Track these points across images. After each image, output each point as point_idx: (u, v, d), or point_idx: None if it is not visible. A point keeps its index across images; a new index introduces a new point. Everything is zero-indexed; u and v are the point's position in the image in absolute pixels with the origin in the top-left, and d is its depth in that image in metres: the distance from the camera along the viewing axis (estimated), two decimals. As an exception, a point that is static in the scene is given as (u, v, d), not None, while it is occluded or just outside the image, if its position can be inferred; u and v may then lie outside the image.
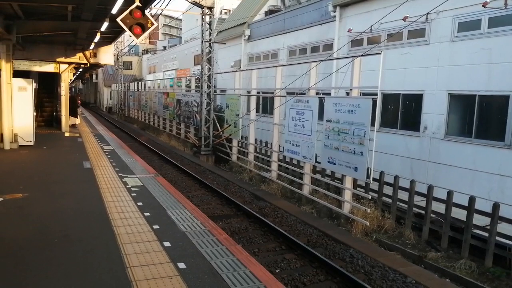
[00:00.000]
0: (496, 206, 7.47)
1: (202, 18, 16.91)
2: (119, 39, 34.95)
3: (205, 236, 5.82)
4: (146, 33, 8.56)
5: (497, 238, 7.52)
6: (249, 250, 7.08)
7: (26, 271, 4.48)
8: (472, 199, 7.84)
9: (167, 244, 5.39)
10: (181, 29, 57.23)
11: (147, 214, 6.70)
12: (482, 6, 9.12)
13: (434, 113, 11.06)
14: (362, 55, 9.29)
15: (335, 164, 9.40)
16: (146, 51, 58.22)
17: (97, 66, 24.64)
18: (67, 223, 6.11)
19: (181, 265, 4.73)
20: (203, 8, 16.59)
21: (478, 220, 7.92)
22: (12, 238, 5.43)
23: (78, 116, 23.77)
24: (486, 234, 7.63)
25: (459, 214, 8.22)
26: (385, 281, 6.35)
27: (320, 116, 9.94)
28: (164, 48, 52.91)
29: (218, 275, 4.55)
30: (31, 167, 10.45)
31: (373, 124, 8.39)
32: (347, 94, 10.01)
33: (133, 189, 8.43)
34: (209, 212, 9.42)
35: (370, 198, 9.24)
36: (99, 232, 5.75)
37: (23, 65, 17.13)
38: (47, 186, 8.35)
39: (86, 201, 7.37)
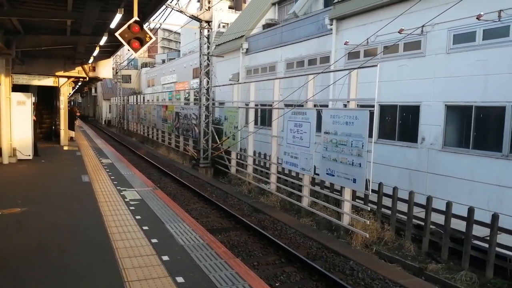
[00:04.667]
0: (495, 217, 7.47)
1: (200, 31, 17.07)
2: (118, 53, 35.16)
3: (204, 249, 5.79)
4: (145, 47, 8.62)
5: (498, 249, 7.50)
6: (249, 263, 7.04)
7: (23, 286, 4.45)
8: (471, 210, 7.84)
9: (165, 258, 5.36)
10: (179, 42, 57.69)
11: (145, 227, 6.67)
12: (477, 18, 9.24)
13: (432, 124, 11.10)
14: (359, 68, 9.37)
15: (333, 175, 9.40)
16: (145, 65, 58.51)
17: (96, 79, 24.74)
18: (65, 237, 6.08)
19: (180, 279, 4.70)
20: (201, 22, 16.76)
21: (478, 231, 7.90)
22: (10, 253, 5.40)
23: (75, 129, 23.65)
24: (486, 245, 7.60)
25: (459, 225, 8.20)
26: (385, 294, 6.31)
27: (318, 128, 9.98)
28: (163, 61, 53.21)
29: (216, 289, 4.52)
30: (30, 181, 10.42)
31: (371, 135, 8.42)
32: (345, 106, 10.07)
33: (131, 202, 8.40)
34: (208, 225, 9.38)
35: (369, 209, 9.23)
36: (97, 246, 5.71)
37: (22, 79, 17.19)
38: (46, 200, 8.32)
39: (85, 215, 7.33)
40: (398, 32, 10.73)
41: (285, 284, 6.53)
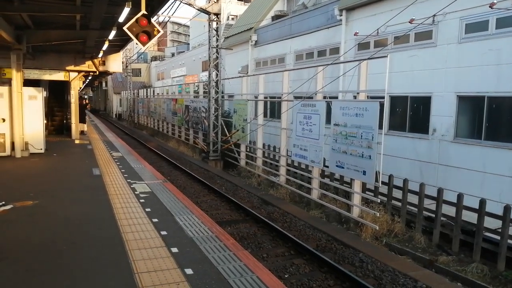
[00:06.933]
0: (507, 209, 7.38)
1: (209, 24, 17.02)
2: (128, 47, 35.26)
3: (213, 241, 5.82)
4: (153, 41, 8.64)
5: (510, 241, 7.41)
6: (258, 255, 7.08)
7: (35, 278, 4.53)
8: (482, 202, 7.75)
9: (174, 250, 5.40)
10: (189, 35, 57.67)
11: (155, 220, 6.72)
12: (489, 7, 9.05)
13: (443, 115, 10.96)
14: (368, 58, 9.26)
15: (343, 168, 9.35)
16: (154, 58, 58.70)
17: (106, 73, 24.89)
18: (76, 230, 6.16)
19: (188, 271, 4.74)
20: (210, 14, 16.70)
21: (489, 223, 7.81)
22: (21, 245, 5.48)
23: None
24: (498, 237, 7.52)
25: (470, 217, 8.12)
26: (395, 286, 6.29)
27: (328, 120, 9.92)
28: (173, 54, 53.30)
29: (225, 280, 4.55)
30: (42, 175, 10.56)
31: (381, 127, 8.35)
32: (355, 97, 9.99)
33: (141, 195, 8.47)
34: (217, 217, 9.43)
35: (379, 201, 9.17)
36: (108, 239, 5.78)
37: (34, 74, 17.38)
38: (57, 194, 8.43)
39: (95, 208, 7.42)
40: (409, 22, 10.56)
41: (294, 276, 6.54)
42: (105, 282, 4.44)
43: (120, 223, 6.49)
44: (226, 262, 5.07)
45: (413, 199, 9.18)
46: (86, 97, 54.17)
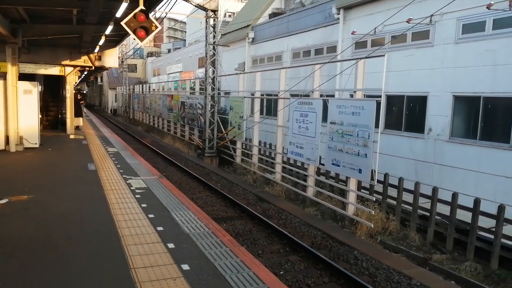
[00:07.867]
0: (501, 208, 7.44)
1: (206, 21, 16.98)
2: (124, 42, 35.05)
3: (209, 237, 5.83)
4: (151, 36, 8.60)
5: (503, 240, 7.48)
6: (253, 251, 7.08)
7: (30, 273, 4.51)
8: (477, 201, 7.81)
9: (171, 245, 5.40)
10: (185, 32, 57.47)
11: (151, 215, 6.72)
12: (487, 7, 9.08)
13: (439, 115, 11.02)
14: (366, 57, 9.29)
15: (339, 166, 9.38)
16: (150, 54, 58.47)
17: (102, 69, 24.74)
18: (72, 225, 6.14)
19: (185, 267, 4.74)
20: (207, 11, 16.66)
21: (484, 222, 7.87)
22: (17, 240, 5.46)
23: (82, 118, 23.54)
24: (492, 236, 7.58)
25: (464, 216, 8.18)
26: (389, 283, 6.32)
27: (324, 118, 9.94)
28: (169, 51, 53.12)
29: (221, 276, 4.56)
30: (36, 169, 10.51)
31: (377, 126, 8.38)
32: (351, 96, 10.01)
33: (137, 191, 8.45)
34: (213, 214, 9.43)
35: (374, 200, 9.22)
36: (104, 234, 5.77)
37: (29, 68, 17.25)
38: (52, 188, 8.39)
39: (91, 203, 7.40)
40: (406, 21, 10.59)
41: (290, 272, 6.56)
42: (101, 277, 4.43)
43: (116, 218, 6.47)
44: (223, 258, 5.08)
45: (408, 197, 9.23)
46: (84, 91, 53.85)
